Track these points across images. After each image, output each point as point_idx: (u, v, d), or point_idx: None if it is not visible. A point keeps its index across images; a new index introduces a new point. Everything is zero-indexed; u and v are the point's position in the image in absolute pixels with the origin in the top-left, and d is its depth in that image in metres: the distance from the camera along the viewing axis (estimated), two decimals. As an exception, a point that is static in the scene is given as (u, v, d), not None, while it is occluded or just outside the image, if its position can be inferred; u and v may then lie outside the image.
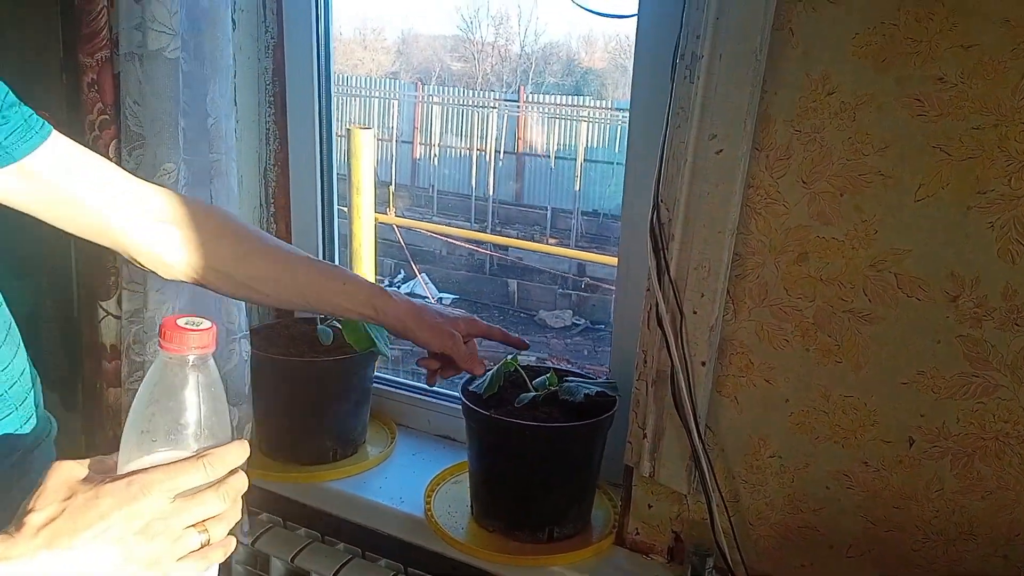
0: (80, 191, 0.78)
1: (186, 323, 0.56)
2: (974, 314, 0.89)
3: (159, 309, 1.13)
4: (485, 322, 1.02)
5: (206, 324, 0.57)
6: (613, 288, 1.30)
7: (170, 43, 1.08)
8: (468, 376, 1.16)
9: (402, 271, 6.74)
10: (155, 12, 1.06)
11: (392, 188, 7.19)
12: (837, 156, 0.92)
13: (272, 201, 1.49)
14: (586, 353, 5.85)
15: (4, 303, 0.77)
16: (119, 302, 1.18)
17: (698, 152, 0.97)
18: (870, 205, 0.92)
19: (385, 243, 6.46)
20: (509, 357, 1.16)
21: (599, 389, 1.11)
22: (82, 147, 0.79)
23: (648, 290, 1.03)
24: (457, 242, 7.02)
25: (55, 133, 0.76)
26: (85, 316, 1.27)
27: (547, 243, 7.87)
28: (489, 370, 1.15)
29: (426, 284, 6.44)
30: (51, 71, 1.21)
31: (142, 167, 1.13)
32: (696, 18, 0.95)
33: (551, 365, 1.28)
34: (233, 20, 1.22)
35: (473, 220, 8.04)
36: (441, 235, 6.91)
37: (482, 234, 7.21)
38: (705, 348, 1.01)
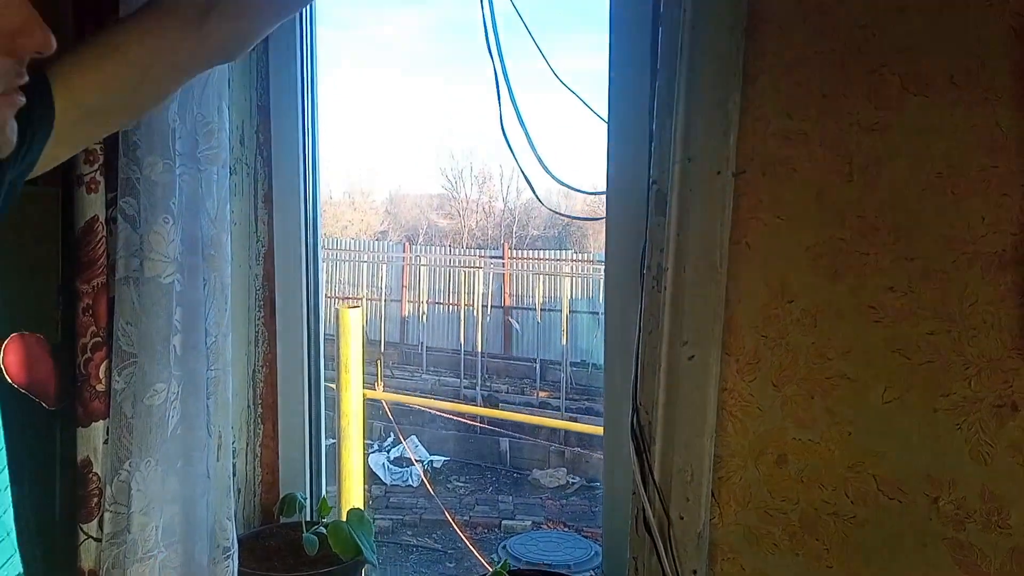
0: (119, 90, 0.73)
1: None
2: (956, 516, 0.89)
3: (141, 532, 1.12)
4: None
5: None
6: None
7: (166, 269, 1.12)
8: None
9: (391, 434, 6.65)
10: (153, 242, 1.12)
11: (380, 361, 7.24)
12: (803, 360, 0.96)
13: (260, 401, 1.50)
14: (583, 514, 5.67)
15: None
16: (100, 524, 1.16)
17: (671, 358, 1.01)
18: (840, 408, 0.94)
19: (373, 406, 6.41)
20: (499, 566, 1.14)
21: (591, 599, 1.08)
22: (86, 54, 0.71)
23: (634, 493, 1.04)
24: (447, 413, 6.99)
25: (53, 85, 0.66)
26: (66, 539, 1.24)
27: (537, 395, 7.85)
28: (478, 581, 1.12)
29: (415, 448, 6.33)
30: (48, 296, 1.25)
31: (131, 385, 1.15)
32: (659, 234, 1.02)
33: (542, 561, 1.24)
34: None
35: (462, 375, 8.06)
36: (431, 408, 6.89)
37: (471, 407, 7.21)
38: (695, 555, 1.00)
